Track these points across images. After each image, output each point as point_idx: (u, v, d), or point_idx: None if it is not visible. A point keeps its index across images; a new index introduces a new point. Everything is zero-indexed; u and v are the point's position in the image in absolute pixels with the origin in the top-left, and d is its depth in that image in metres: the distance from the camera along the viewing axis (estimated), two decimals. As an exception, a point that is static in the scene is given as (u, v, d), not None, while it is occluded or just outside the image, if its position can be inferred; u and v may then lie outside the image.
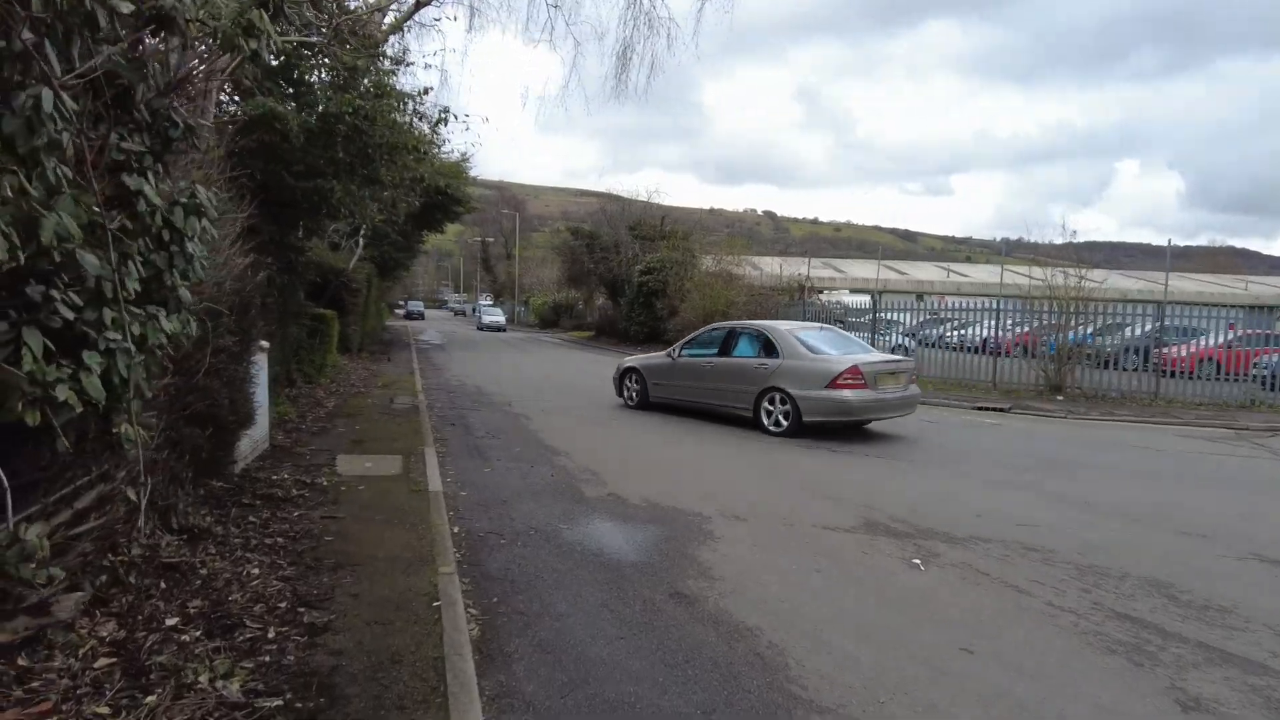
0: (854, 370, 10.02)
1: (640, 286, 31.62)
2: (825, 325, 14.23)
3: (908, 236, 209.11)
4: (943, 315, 23.34)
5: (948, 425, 12.03)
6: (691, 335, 13.08)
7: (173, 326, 3.23)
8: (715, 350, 11.83)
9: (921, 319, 24.46)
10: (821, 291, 24.89)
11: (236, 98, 7.98)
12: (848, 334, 12.89)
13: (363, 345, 21.14)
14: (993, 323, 18.37)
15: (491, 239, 77.44)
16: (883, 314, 21.21)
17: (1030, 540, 5.77)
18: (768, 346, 10.97)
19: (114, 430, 2.91)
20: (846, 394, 9.94)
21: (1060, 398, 15.71)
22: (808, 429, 10.23)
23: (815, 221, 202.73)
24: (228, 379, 5.46)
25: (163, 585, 3.75)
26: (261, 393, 6.95)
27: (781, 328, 11.32)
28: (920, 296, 50.08)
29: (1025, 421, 12.96)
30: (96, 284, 2.73)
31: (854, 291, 43.64)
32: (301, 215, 10.37)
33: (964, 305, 20.91)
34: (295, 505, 5.60)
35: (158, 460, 4.31)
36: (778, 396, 10.48)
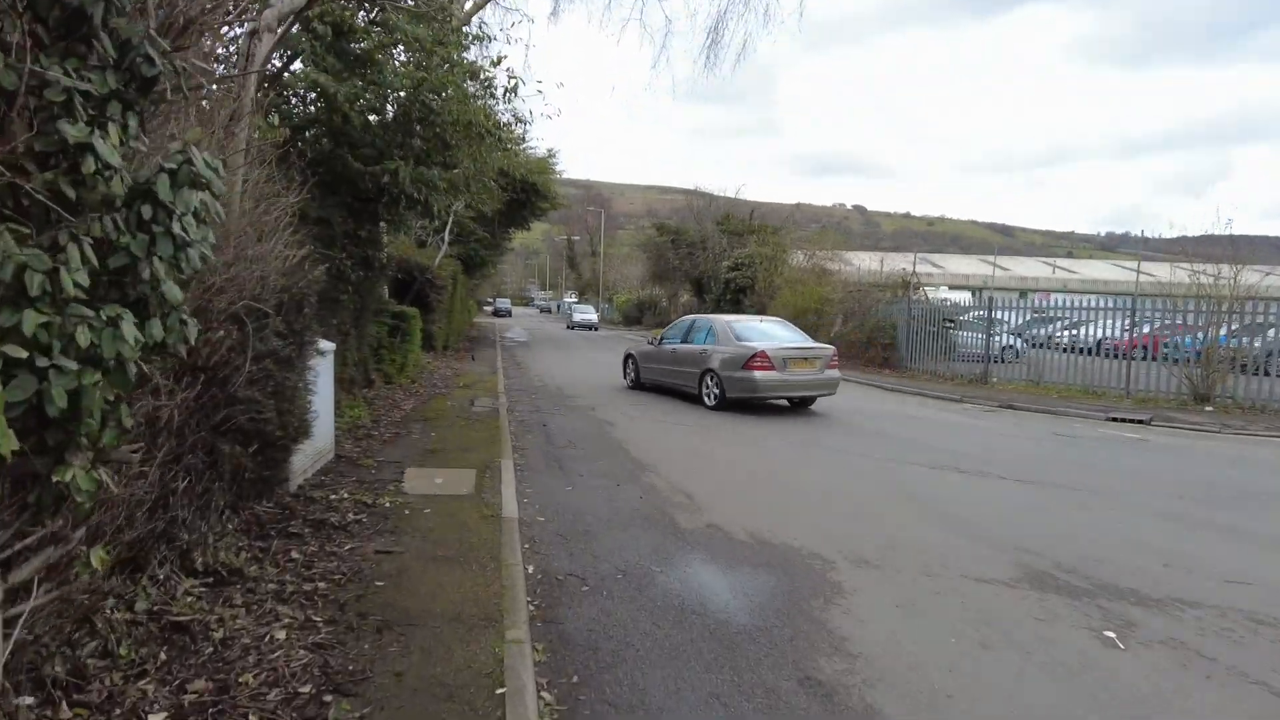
0: (762, 354, 11.70)
1: (728, 283, 30.43)
2: (773, 319, 15.35)
3: (1005, 231, 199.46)
4: (1054, 313, 21.15)
5: (1084, 440, 10.45)
6: (667, 326, 15.54)
7: (151, 334, 2.40)
8: (680, 338, 13.76)
9: (1028, 317, 22.38)
10: (923, 288, 23.08)
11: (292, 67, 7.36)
12: (788, 326, 14.14)
13: (448, 343, 20.80)
14: (1116, 322, 16.40)
15: (577, 237, 77.50)
16: (998, 313, 19.34)
17: (1253, 606, 4.44)
18: (710, 334, 12.90)
19: (55, 479, 2.09)
20: (756, 374, 11.65)
21: (1209, 409, 13.72)
22: (731, 404, 12.05)
23: (907, 216, 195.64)
24: (275, 388, 4.72)
25: (163, 656, 2.96)
26: (323, 400, 6.26)
27: (722, 319, 13.45)
28: (1024, 294, 46.99)
29: (1173, 436, 11.19)
30: (16, 275, 1.91)
31: (953, 288, 41.14)
32: (377, 207, 9.76)
33: (1086, 304, 18.86)
34: (349, 534, 4.82)
35: (173, 491, 3.56)
36: (709, 377, 12.40)
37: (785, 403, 12.96)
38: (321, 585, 3.92)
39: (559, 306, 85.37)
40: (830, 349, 13.07)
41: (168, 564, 3.57)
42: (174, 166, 2.46)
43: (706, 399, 12.37)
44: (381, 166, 8.38)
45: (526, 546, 5.07)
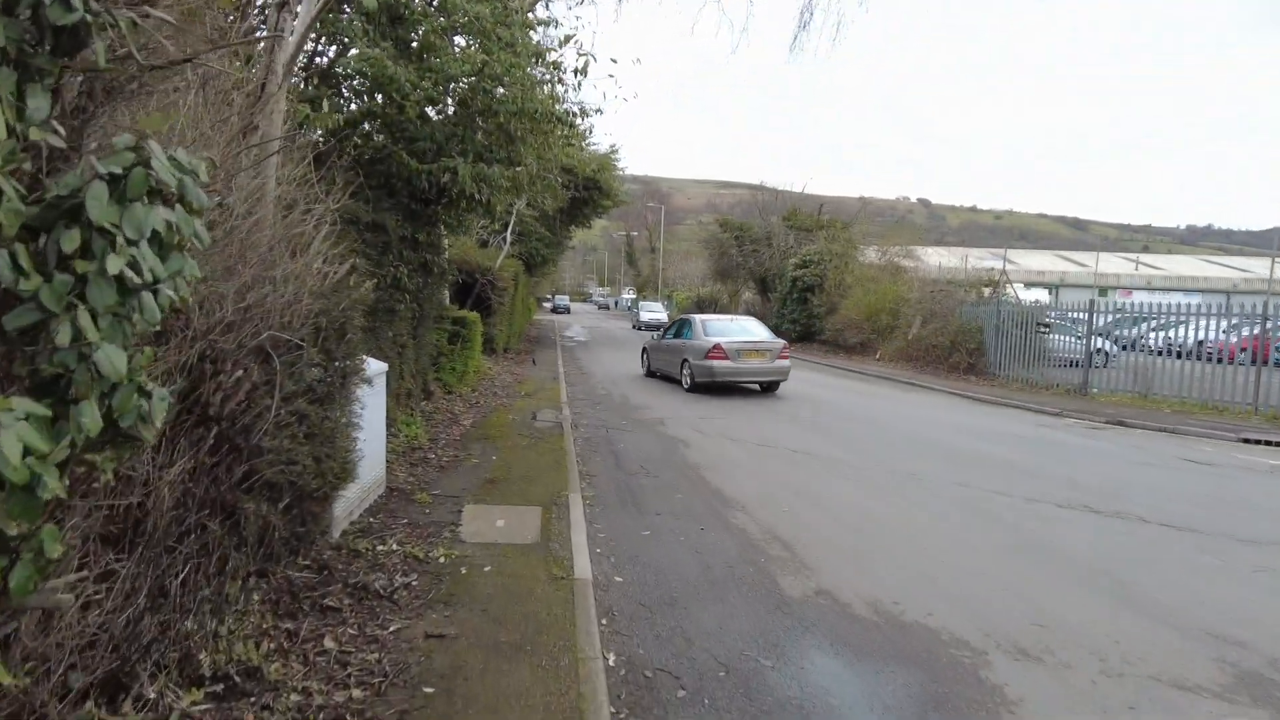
0: (717, 347, 14.31)
1: (794, 281, 29.18)
2: (741, 317, 17.79)
3: (1077, 225, 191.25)
4: (1156, 315, 19.27)
5: (1225, 470, 9.06)
6: (667, 324, 20.70)
7: (81, 426, 1.58)
8: (674, 334, 16.45)
9: (1112, 317, 20.58)
10: (1011, 287, 21.47)
11: (333, 49, 6.62)
12: (750, 322, 16.62)
13: (508, 344, 20.19)
14: (1220, 324, 14.66)
15: (635, 233, 76.76)
16: (1096, 315, 17.68)
17: None
18: (689, 330, 15.56)
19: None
20: (713, 363, 14.18)
21: (1359, 427, 12.05)
22: (700, 387, 14.74)
23: (974, 209, 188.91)
24: (311, 430, 3.95)
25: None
26: (372, 430, 5.51)
27: (699, 318, 16.04)
28: (1103, 291, 44.24)
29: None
30: None
31: (1028, 285, 38.91)
32: (435, 209, 9.03)
33: (1193, 306, 17.07)
34: (395, 607, 4.01)
35: (166, 588, 2.78)
36: (684, 365, 15.08)
37: (756, 388, 15.40)
38: (357, 694, 3.10)
39: (616, 303, 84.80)
40: (781, 343, 15.34)
41: (163, 674, 2.80)
42: (118, 170, 1.63)
43: (684, 382, 15.11)
44: (440, 164, 7.62)
45: (604, 623, 4.18)
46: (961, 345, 19.35)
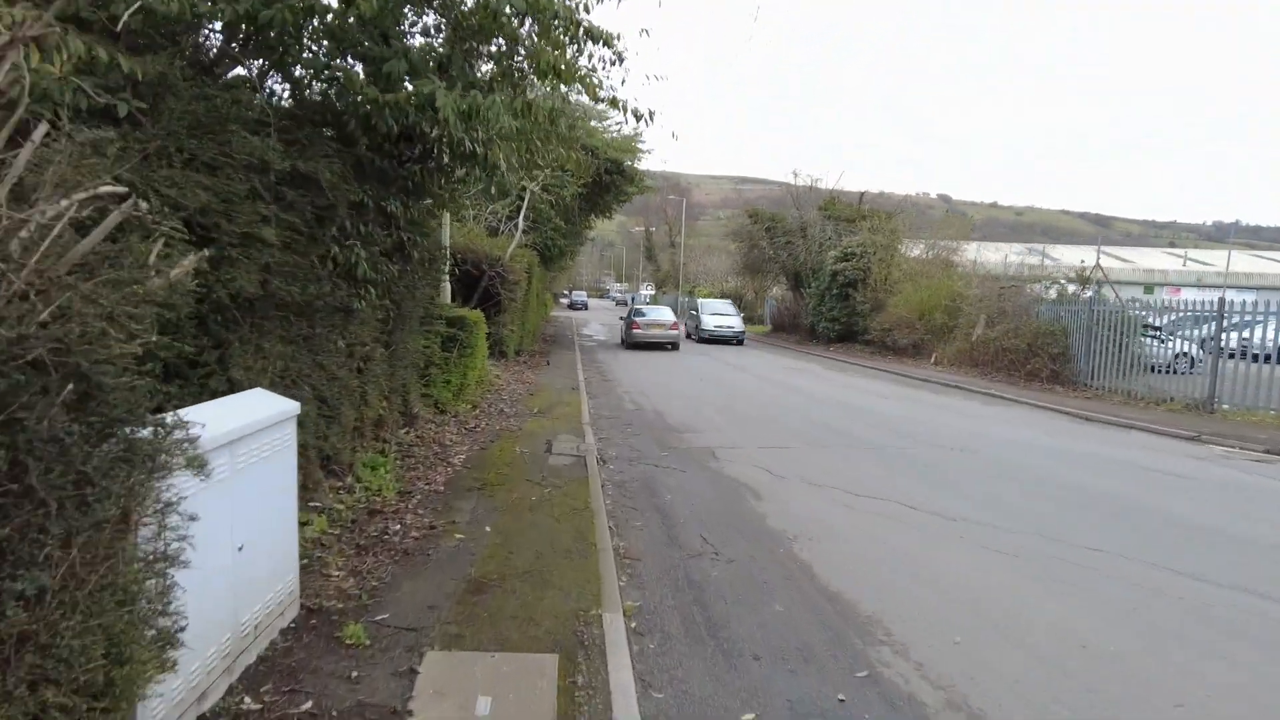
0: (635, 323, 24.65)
1: (835, 275, 26.38)
2: (659, 307, 28.35)
3: (1100, 221, 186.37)
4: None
5: None
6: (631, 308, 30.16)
7: None
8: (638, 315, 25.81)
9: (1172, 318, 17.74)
10: (1106, 285, 18.60)
11: None
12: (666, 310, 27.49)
13: (521, 346, 17.61)
14: None
15: (654, 228, 74.01)
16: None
17: None
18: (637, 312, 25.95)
19: None
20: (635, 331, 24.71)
21: None
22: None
23: (995, 205, 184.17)
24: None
25: None
26: (264, 526, 2.93)
27: (636, 305, 30.17)
28: (1149, 289, 41.08)
29: None
30: None
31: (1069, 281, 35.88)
32: (416, 170, 6.45)
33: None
34: None
35: None
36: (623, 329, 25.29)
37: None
38: None
39: (632, 299, 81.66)
40: (670, 319, 25.72)
41: None
42: None
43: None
44: (410, 93, 5.01)
45: None
46: (1042, 350, 16.53)
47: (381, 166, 6.11)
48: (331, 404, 5.46)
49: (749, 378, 16.89)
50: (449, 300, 13.05)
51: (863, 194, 29.88)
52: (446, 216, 12.30)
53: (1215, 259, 55.98)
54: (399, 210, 6.72)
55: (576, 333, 30.51)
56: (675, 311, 31.91)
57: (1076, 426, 11.80)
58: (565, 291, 66.32)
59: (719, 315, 29.00)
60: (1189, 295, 16.74)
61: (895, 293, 24.25)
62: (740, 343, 27.73)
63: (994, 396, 14.70)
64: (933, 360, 21.91)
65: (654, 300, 62.28)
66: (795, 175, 31.67)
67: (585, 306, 62.31)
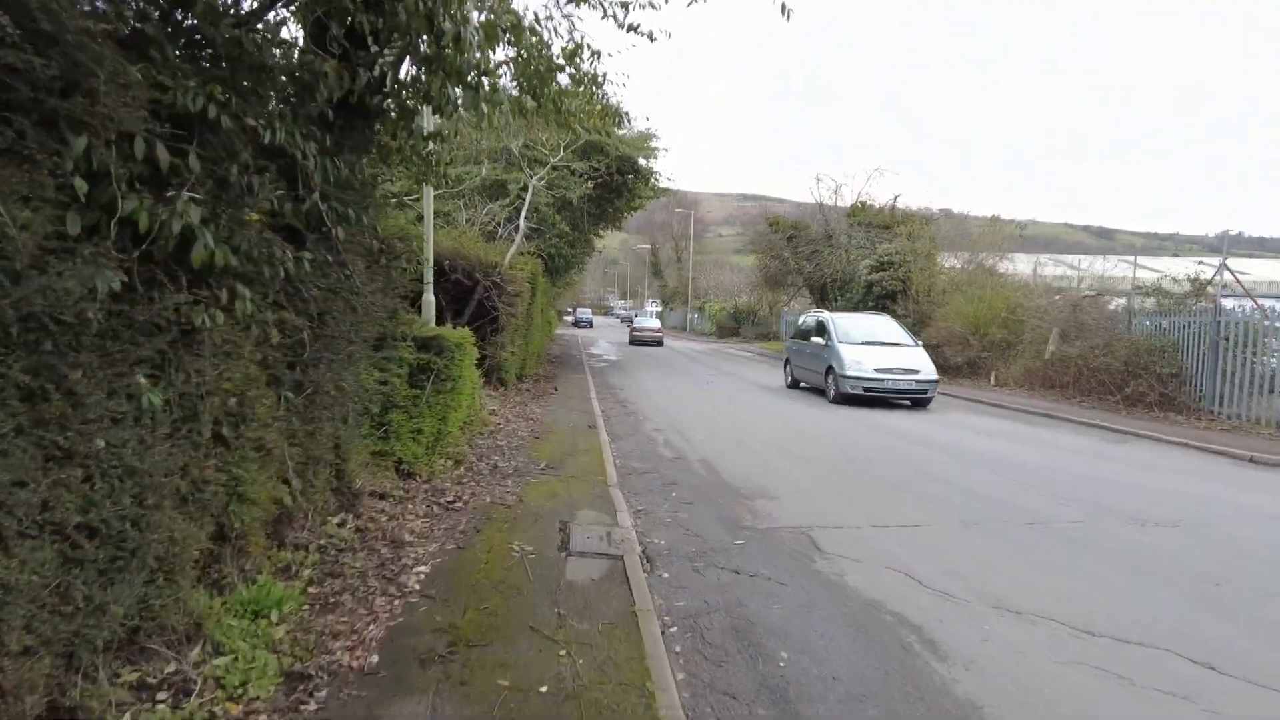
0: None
1: (870, 286, 23.50)
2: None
3: (1102, 234, 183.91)
4: None
5: None
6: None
7: None
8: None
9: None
10: (1218, 288, 15.64)
11: None
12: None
13: (524, 370, 14.66)
14: None
15: (659, 244, 71.20)
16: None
17: None
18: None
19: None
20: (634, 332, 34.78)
21: None
22: None
23: (995, 219, 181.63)
24: None
25: None
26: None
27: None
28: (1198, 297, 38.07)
29: None
30: None
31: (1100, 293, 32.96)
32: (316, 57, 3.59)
33: None
34: None
35: None
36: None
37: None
38: None
39: (636, 315, 78.33)
40: (656, 325, 35.75)
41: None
42: None
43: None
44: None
45: None
46: (1146, 369, 13.55)
47: (262, 61, 3.23)
48: (109, 534, 2.53)
49: (793, 403, 13.91)
50: (433, 318, 10.16)
51: (896, 197, 27.01)
52: (428, 196, 9.43)
53: (1253, 267, 53.01)
54: (311, 156, 3.83)
55: (584, 352, 27.57)
56: (684, 325, 33.55)
57: (1256, 474, 8.81)
58: (569, 310, 63.41)
59: (882, 349, 14.18)
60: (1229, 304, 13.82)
61: (941, 305, 21.35)
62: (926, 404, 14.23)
63: (1108, 430, 11.68)
64: (992, 380, 19.01)
65: (661, 316, 60.28)
66: (818, 180, 28.80)
67: (590, 324, 59.35)
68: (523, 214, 13.62)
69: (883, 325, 15.63)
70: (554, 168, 16.54)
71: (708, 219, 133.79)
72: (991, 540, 5.67)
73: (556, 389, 14.53)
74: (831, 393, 14.16)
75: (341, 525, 4.83)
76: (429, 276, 10.27)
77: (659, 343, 34.56)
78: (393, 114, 5.15)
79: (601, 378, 18.14)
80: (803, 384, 16.43)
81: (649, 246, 71.60)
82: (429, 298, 10.23)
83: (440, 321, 11.51)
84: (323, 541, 4.50)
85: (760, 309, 40.40)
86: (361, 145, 4.89)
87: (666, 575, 4.77)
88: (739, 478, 7.61)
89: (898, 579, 4.79)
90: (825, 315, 16.02)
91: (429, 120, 6.50)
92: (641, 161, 19.25)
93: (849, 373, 13.69)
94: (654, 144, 19.73)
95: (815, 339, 15.42)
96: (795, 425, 11.36)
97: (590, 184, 18.28)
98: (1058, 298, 20.97)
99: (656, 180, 19.97)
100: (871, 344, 14.36)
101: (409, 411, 6.32)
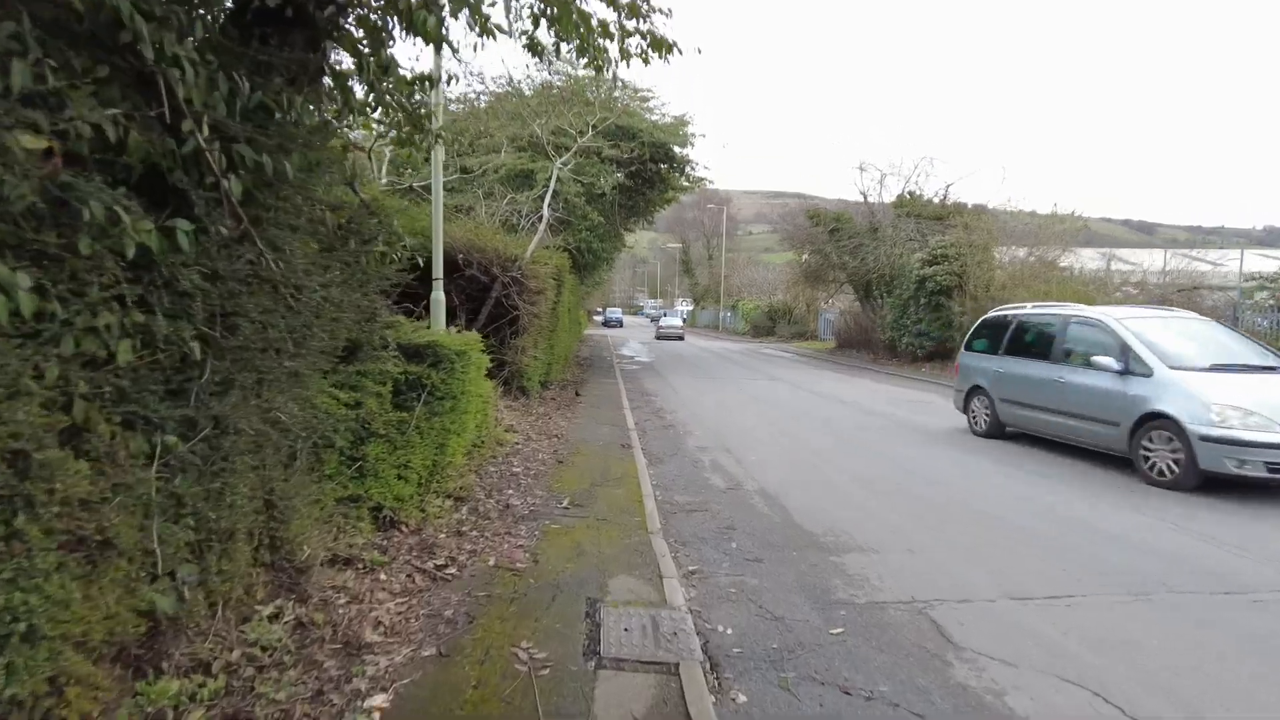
0: None
1: (922, 282, 21.65)
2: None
3: (1143, 228, 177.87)
4: None
5: None
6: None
7: None
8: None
9: None
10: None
11: None
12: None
13: (548, 377, 13.19)
14: None
15: (690, 241, 69.43)
16: None
17: None
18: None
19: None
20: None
21: None
22: None
23: (1033, 214, 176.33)
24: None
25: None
26: None
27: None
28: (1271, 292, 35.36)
29: None
30: None
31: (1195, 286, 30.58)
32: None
33: None
34: None
35: None
36: None
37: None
38: None
39: (664, 315, 76.22)
40: (678, 323, 42.56)
41: None
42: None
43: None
44: None
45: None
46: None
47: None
48: None
49: (858, 414, 12.21)
50: (443, 319, 8.73)
51: (948, 186, 25.06)
52: (437, 165, 7.99)
53: (1314, 260, 49.68)
54: (187, 62, 2.32)
55: (614, 353, 26.07)
56: (716, 324, 29.25)
57: None
58: (598, 310, 61.94)
59: (1255, 380, 7.52)
60: None
61: (1003, 301, 19.42)
62: None
63: None
64: (1064, 384, 17.10)
65: (692, 315, 61.05)
66: (861, 170, 26.95)
67: (620, 324, 57.85)
68: (546, 201, 12.11)
69: (1219, 335, 8.74)
70: (582, 152, 15.04)
71: (737, 216, 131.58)
72: (1172, 624, 3.99)
73: (579, 394, 13.01)
74: (1165, 465, 7.23)
75: (275, 618, 3.33)
76: (438, 271, 8.84)
77: (680, 338, 39.98)
78: (357, 35, 3.69)
79: (634, 382, 16.60)
80: (1030, 433, 9.54)
81: (679, 245, 69.95)
82: (439, 296, 8.79)
83: (453, 323, 10.10)
84: (237, 654, 3.00)
85: (796, 307, 38.53)
86: (302, 73, 3.40)
87: (743, 699, 3.20)
88: (813, 515, 6.00)
89: (1084, 702, 3.17)
90: (1103, 314, 8.75)
91: (414, 56, 4.99)
92: (676, 149, 17.69)
93: (1236, 433, 6.73)
94: (689, 130, 18.15)
95: (1062, 360, 8.89)
96: (862, 441, 9.70)
97: (621, 173, 16.76)
98: (1135, 292, 19.00)
99: (692, 169, 18.39)
100: (1228, 369, 7.65)
101: (392, 441, 4.82)
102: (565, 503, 6.02)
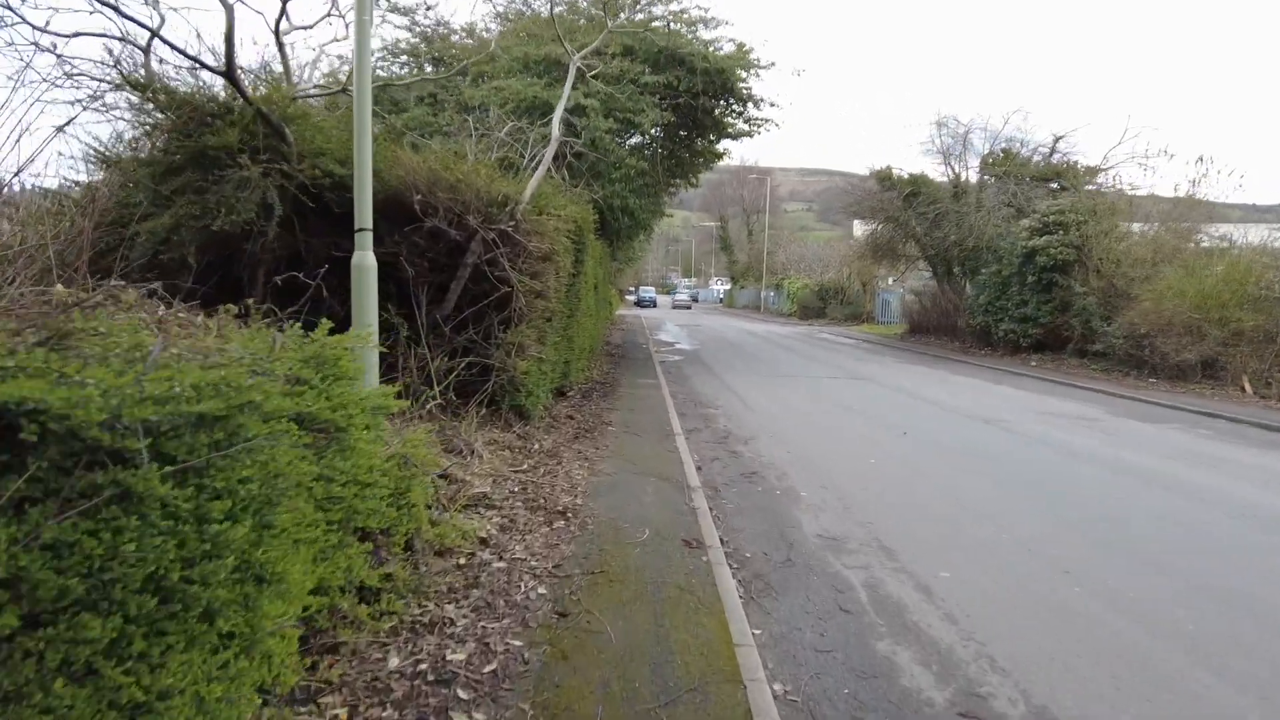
0: None
1: (1030, 255, 17.03)
2: None
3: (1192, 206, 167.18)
4: None
5: None
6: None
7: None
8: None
9: None
10: None
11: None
12: None
13: (566, 381, 9.06)
14: None
15: (726, 218, 64.26)
16: None
17: None
18: None
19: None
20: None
21: None
22: None
23: (1196, 180, 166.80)
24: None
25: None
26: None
27: None
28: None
29: None
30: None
31: None
32: None
33: None
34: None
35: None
36: None
37: None
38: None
39: (697, 296, 71.54)
40: (686, 297, 49.25)
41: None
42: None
43: None
44: None
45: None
46: None
47: None
48: None
49: (1041, 451, 7.87)
50: (373, 312, 4.63)
51: (1057, 139, 20.18)
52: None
53: None
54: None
55: (651, 339, 21.79)
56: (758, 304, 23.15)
57: None
58: (630, 288, 57.41)
59: None
60: None
61: (1154, 281, 14.80)
62: None
63: None
64: (1245, 387, 12.60)
65: (729, 295, 59.65)
66: (939, 125, 22.11)
67: (654, 304, 53.38)
68: (556, 116, 7.83)
69: None
70: (613, 78, 10.79)
71: (774, 193, 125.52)
72: None
73: (611, 410, 8.86)
74: None
75: None
76: (363, 219, 4.62)
77: (688, 307, 45.57)
78: None
79: (681, 384, 12.36)
80: None
81: (715, 224, 64.89)
82: (365, 263, 4.59)
83: (408, 311, 6.13)
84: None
85: (851, 287, 33.86)
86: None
87: None
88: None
89: None
90: None
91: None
92: (740, 79, 13.25)
93: None
94: (752, 57, 13.69)
95: None
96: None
97: (666, 107, 12.47)
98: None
99: (758, 106, 13.89)
100: None
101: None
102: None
